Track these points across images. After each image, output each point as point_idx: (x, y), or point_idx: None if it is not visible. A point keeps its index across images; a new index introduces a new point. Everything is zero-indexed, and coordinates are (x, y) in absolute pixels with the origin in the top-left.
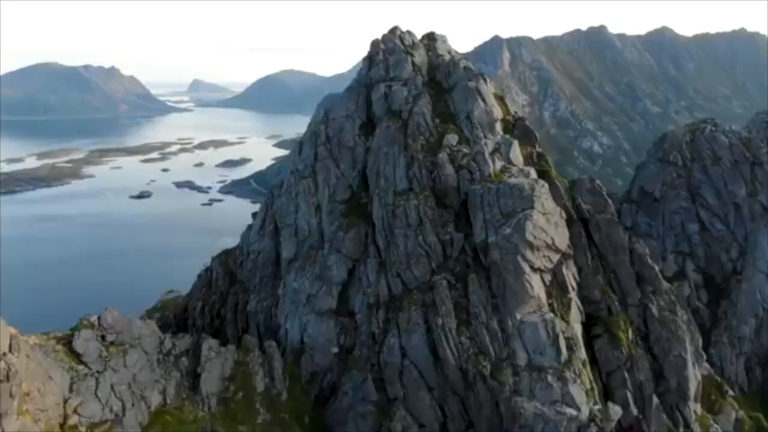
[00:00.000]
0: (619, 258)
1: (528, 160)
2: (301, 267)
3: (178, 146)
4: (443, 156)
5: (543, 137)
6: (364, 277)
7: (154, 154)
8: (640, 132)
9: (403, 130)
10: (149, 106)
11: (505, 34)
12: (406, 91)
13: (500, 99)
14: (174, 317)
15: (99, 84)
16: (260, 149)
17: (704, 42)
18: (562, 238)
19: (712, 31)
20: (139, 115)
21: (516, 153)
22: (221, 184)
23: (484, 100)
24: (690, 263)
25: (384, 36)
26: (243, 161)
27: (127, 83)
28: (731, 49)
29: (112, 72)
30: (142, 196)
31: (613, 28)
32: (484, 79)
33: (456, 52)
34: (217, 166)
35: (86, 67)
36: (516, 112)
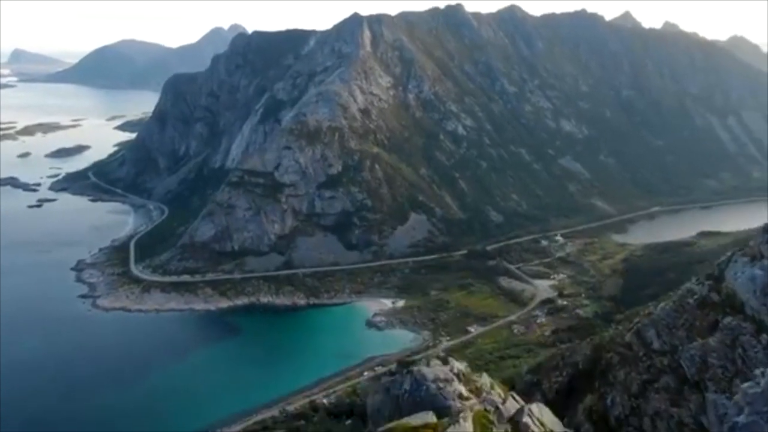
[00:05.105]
0: None
1: None
2: None
3: None
4: None
5: (409, 121)
6: None
7: None
8: (500, 112)
9: None
10: None
11: (364, 11)
12: None
13: None
14: None
15: None
16: (99, 133)
17: (551, 21)
18: None
19: (557, 11)
20: None
21: None
22: (53, 180)
23: None
24: None
25: None
26: (79, 149)
27: None
28: (574, 29)
29: None
30: None
31: (469, 6)
32: None
33: None
34: (48, 156)
35: None
36: None
